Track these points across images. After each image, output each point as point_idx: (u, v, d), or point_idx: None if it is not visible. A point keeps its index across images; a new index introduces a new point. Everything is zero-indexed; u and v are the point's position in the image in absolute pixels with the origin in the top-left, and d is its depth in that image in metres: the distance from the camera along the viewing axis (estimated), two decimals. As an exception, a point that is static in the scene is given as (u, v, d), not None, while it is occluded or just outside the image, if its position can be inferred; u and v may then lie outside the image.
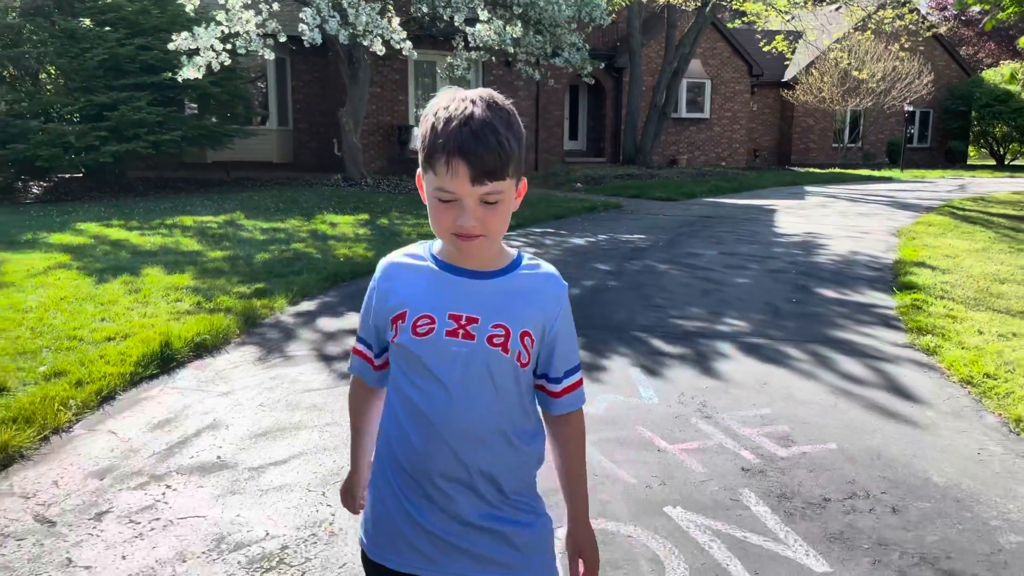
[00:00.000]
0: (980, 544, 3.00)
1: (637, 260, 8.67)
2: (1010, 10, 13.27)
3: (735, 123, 27.70)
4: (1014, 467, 3.69)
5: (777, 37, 28.95)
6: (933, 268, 7.99)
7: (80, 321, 5.47)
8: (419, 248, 1.49)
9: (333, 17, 11.46)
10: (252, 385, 4.57)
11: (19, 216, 10.75)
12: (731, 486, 3.44)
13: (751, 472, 3.58)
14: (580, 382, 1.51)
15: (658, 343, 5.56)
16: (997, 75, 30.09)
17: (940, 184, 19.99)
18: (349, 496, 1.67)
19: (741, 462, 3.68)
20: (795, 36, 29.93)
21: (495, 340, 1.37)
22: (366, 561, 1.48)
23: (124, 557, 2.78)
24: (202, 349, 5.08)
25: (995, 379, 4.75)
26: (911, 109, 28.57)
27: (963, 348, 5.33)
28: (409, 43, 11.98)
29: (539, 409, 1.51)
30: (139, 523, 3.01)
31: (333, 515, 3.09)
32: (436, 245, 1.47)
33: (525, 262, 1.47)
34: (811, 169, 26.83)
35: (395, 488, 1.41)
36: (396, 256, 1.50)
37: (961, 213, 12.80)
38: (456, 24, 13.13)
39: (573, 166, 22.78)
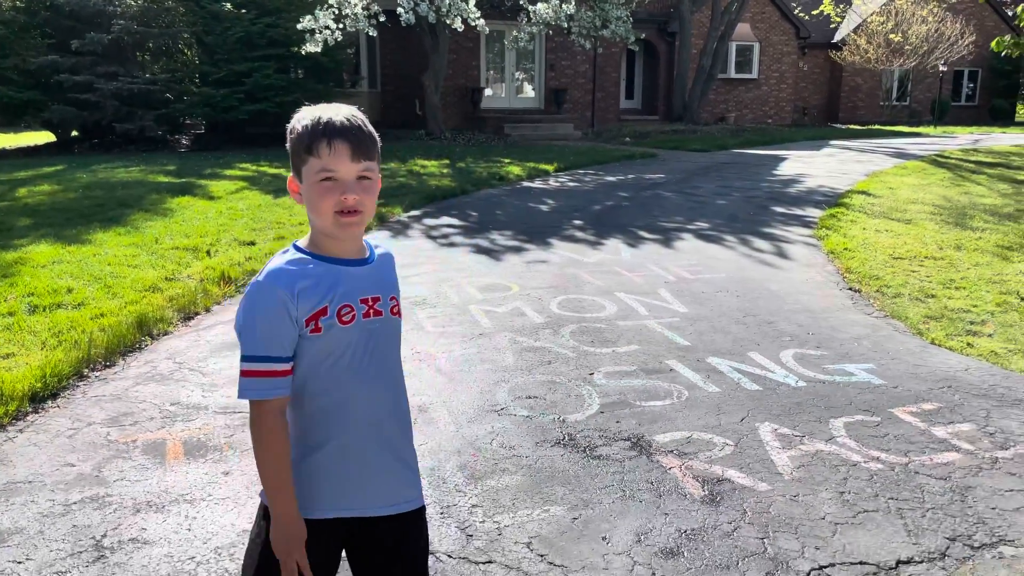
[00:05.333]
0: (773, 306, 5.92)
1: (650, 190, 11.56)
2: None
3: (782, 83, 29.66)
4: (823, 286, 6.57)
5: (825, 1, 30.69)
6: (869, 195, 10.66)
7: (278, 216, 8.73)
8: (291, 256, 1.62)
9: (424, 1, 14.45)
10: (391, 246, 7.73)
11: (188, 160, 14.21)
12: (655, 288, 6.42)
13: (669, 283, 6.56)
14: None
15: (643, 233, 8.53)
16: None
17: (960, 139, 21.89)
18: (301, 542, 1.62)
19: (666, 279, 6.66)
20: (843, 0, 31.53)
21: (395, 310, 1.70)
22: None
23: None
24: (357, 230, 8.30)
25: (850, 251, 7.56)
26: (944, 69, 29.95)
27: (844, 236, 8.13)
28: (483, 21, 14.92)
29: None
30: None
31: (449, 292, 6.23)
32: (305, 244, 1.65)
33: (373, 244, 1.74)
34: (852, 126, 28.74)
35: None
36: (281, 267, 1.60)
37: (941, 160, 15.11)
38: (521, 3, 15.99)
39: (627, 123, 25.37)
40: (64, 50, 15.81)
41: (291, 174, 1.66)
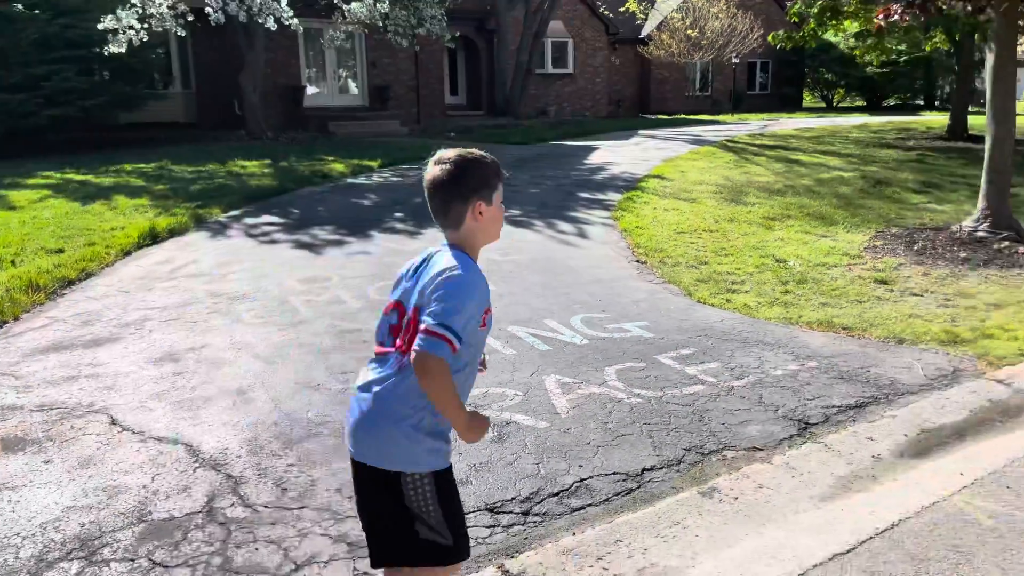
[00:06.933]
0: (570, 280, 6.60)
1: (470, 182, 12.14)
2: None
3: (597, 77, 31.33)
4: (615, 260, 7.36)
5: (630, 0, 32.70)
6: (662, 178, 11.79)
7: (88, 223, 8.53)
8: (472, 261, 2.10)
9: (233, 0, 14.27)
10: (210, 247, 7.84)
11: (-18, 169, 13.27)
12: (467, 270, 6.95)
13: (483, 266, 7.10)
14: None
15: (460, 222, 9.06)
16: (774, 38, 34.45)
17: (751, 125, 24.18)
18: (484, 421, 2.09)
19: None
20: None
21: None
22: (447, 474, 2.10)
23: (169, 296, 6.07)
24: (174, 232, 8.29)
25: (640, 228, 8.45)
26: (737, 61, 32.83)
27: (636, 216, 9.05)
28: (296, 20, 14.93)
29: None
30: (167, 290, 6.30)
31: (259, 288, 6.47)
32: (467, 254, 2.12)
33: None
34: (661, 116, 30.86)
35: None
36: (479, 269, 2.07)
37: (730, 145, 16.78)
38: (335, 1, 16.11)
39: (453, 119, 25.94)
40: None
41: (478, 199, 2.10)
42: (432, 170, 2.08)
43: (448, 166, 2.05)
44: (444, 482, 2.09)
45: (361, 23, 16.70)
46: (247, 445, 3.67)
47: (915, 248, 7.50)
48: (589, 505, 3.21)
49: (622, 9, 32.95)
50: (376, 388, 2.05)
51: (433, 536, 2.06)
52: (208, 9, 14.25)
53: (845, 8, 16.79)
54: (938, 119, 22.80)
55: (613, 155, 15.76)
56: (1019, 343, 4.98)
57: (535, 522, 3.09)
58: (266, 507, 3.17)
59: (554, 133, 21.16)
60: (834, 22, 17.56)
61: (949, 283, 6.43)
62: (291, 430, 3.83)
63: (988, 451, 3.68)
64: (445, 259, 2.06)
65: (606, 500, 3.25)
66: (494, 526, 3.07)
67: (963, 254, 7.20)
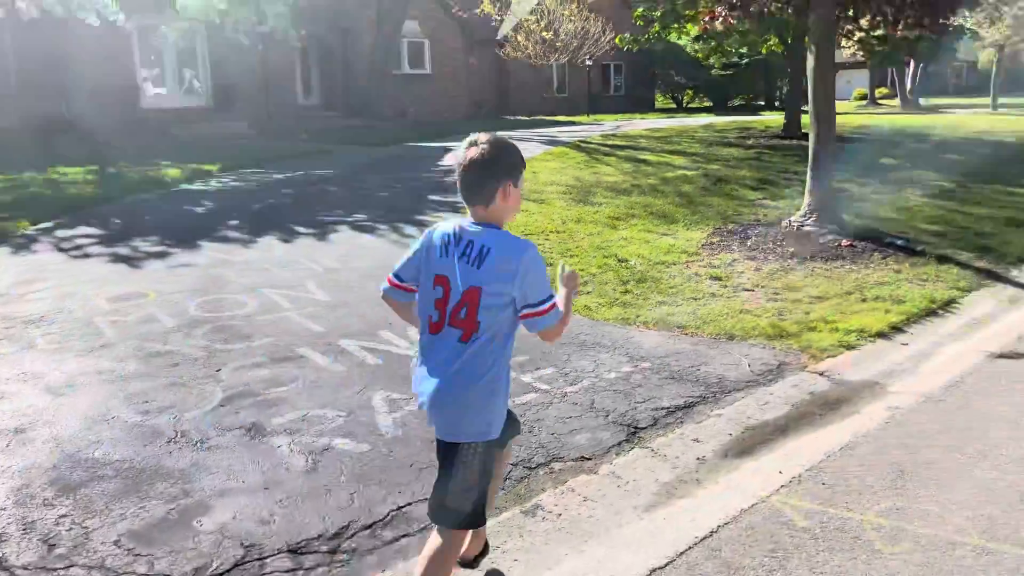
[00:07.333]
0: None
1: (316, 186, 11.67)
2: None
3: (455, 78, 31.19)
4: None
5: (484, 1, 32.76)
6: (514, 179, 11.74)
7: None
8: None
9: (48, -7, 13.10)
10: (9, 264, 7.05)
11: None
12: (302, 280, 6.56)
13: (317, 275, 6.74)
14: None
15: (301, 228, 8.63)
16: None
17: (605, 126, 24.73)
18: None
19: (315, 271, 6.84)
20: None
21: None
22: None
23: (-49, 323, 5.36)
24: (-31, 249, 7.41)
25: (488, 231, 8.29)
26: (590, 63, 33.64)
27: (485, 218, 8.89)
28: (122, 16, 13.90)
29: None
30: (-45, 314, 5.57)
31: (72, 307, 5.84)
32: None
33: None
34: (520, 117, 31.10)
35: None
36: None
37: (582, 145, 17.01)
38: (168, -4, 15.13)
39: (307, 120, 25.02)
40: None
41: (509, 180, 2.27)
42: (469, 151, 2.28)
43: (486, 147, 2.25)
44: (490, 453, 2.37)
45: (194, 18, 15.76)
46: (15, 495, 3.20)
47: (748, 244, 7.74)
48: (404, 536, 2.98)
49: (477, 11, 32.96)
50: (447, 368, 2.27)
51: (457, 504, 2.33)
52: (19, 3, 13.00)
53: (686, 12, 17.41)
54: (776, 118, 24.08)
55: (452, 157, 15.59)
56: (839, 335, 5.16)
57: (342, 561, 2.82)
58: (26, 568, 2.73)
59: (411, 135, 20.82)
60: (676, 25, 18.18)
61: (778, 277, 6.65)
62: (71, 473, 3.38)
63: (807, 446, 3.72)
64: (504, 242, 2.25)
65: (423, 528, 3.02)
66: (295, 569, 2.77)
67: (792, 248, 7.50)
